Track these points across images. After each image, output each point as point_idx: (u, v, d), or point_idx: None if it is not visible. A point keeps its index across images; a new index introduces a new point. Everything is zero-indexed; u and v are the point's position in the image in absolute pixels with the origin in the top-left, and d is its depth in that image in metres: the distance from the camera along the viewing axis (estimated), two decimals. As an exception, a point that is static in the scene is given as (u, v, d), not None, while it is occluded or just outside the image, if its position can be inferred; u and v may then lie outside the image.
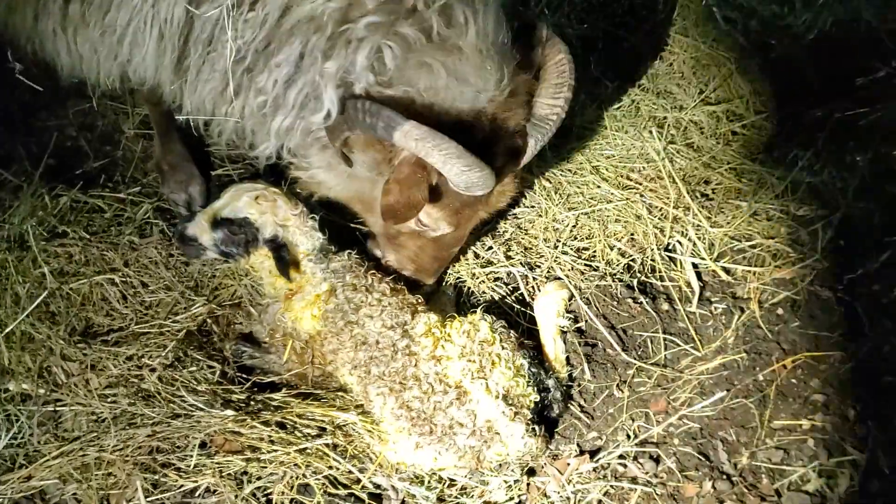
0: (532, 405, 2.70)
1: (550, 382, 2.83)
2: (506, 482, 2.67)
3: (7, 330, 2.85)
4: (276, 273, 2.94)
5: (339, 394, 2.88)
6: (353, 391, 2.83)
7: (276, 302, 2.98)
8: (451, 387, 2.66)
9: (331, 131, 2.58)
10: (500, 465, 2.73)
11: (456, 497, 2.64)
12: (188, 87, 2.73)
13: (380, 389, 2.70)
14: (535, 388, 2.74)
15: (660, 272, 3.45)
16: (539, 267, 3.41)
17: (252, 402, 2.78)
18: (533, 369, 2.78)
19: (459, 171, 2.48)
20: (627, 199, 3.68)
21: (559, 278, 3.29)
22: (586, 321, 3.25)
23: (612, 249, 3.52)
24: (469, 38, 2.51)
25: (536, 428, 2.69)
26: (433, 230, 2.86)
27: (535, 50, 2.84)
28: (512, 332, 2.86)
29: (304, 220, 3.02)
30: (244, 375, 2.94)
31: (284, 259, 2.92)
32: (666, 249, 3.52)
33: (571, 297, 3.19)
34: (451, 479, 2.69)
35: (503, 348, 2.75)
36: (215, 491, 2.52)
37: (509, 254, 3.45)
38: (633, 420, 2.94)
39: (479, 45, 2.53)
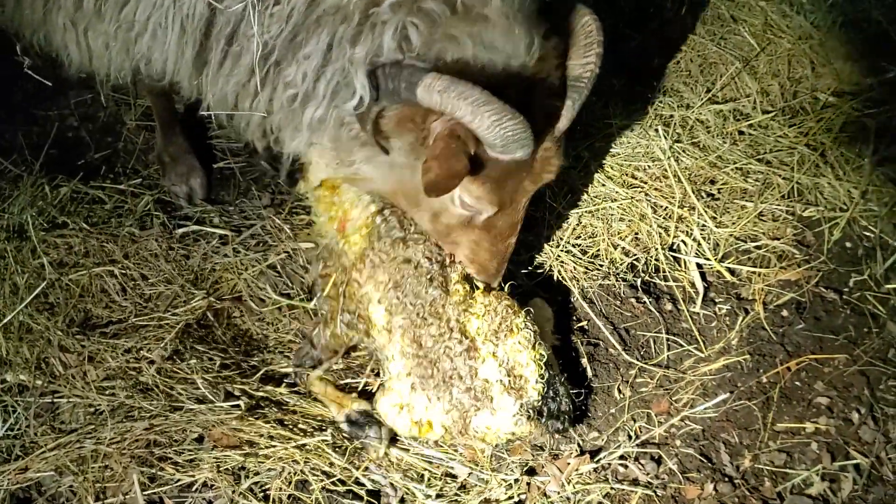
0: (535, 395, 2.63)
1: (562, 391, 2.72)
2: (505, 481, 2.64)
3: (5, 321, 2.83)
4: (329, 208, 2.90)
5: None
6: (373, 333, 2.74)
7: (334, 238, 2.92)
8: (466, 338, 2.63)
9: (361, 118, 2.53)
10: (500, 462, 2.72)
11: (455, 494, 2.61)
12: (209, 81, 2.68)
13: (403, 321, 2.65)
14: (546, 386, 2.67)
15: (664, 272, 3.42)
16: (542, 266, 3.39)
17: (251, 398, 2.76)
18: (551, 370, 2.72)
19: (491, 122, 2.36)
20: (632, 197, 3.65)
21: (541, 296, 3.16)
22: (589, 320, 3.22)
23: (615, 248, 3.49)
24: (494, 5, 2.45)
25: (532, 412, 2.62)
26: (479, 211, 2.74)
27: (562, 18, 2.78)
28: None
29: None
30: (249, 365, 2.92)
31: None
32: (670, 249, 3.50)
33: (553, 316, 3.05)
34: (450, 475, 2.66)
35: (526, 326, 2.69)
36: (212, 486, 2.50)
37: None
38: (634, 420, 2.92)
39: (504, 12, 2.46)
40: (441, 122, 2.48)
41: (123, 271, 3.09)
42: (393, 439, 2.73)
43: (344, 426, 2.74)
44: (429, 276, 2.72)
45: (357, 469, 2.61)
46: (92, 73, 2.97)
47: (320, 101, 2.56)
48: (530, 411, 2.62)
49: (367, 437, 2.70)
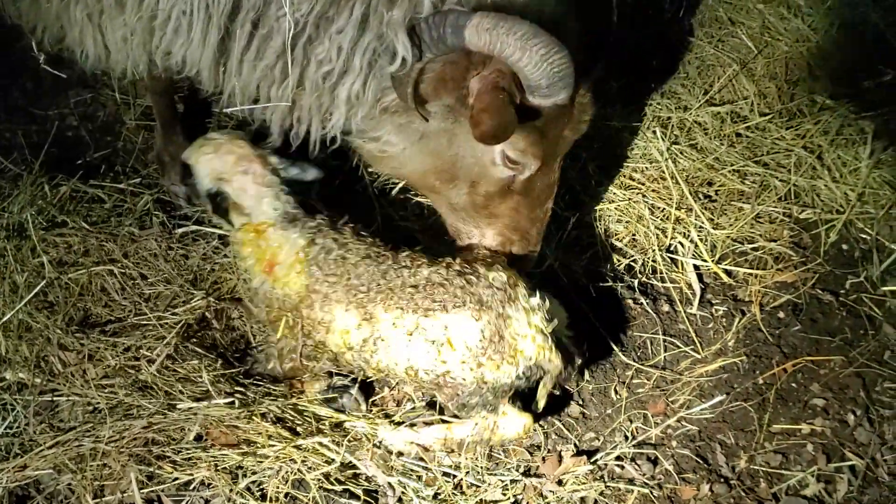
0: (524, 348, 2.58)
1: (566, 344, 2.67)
2: (502, 482, 2.65)
3: (4, 319, 2.83)
4: (255, 251, 2.80)
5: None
6: (350, 342, 2.68)
7: (263, 282, 2.83)
8: (449, 282, 2.62)
9: (401, 82, 2.50)
10: (497, 463, 2.73)
11: (452, 495, 2.62)
12: (233, 69, 2.66)
13: (381, 299, 2.63)
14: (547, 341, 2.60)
15: (661, 273, 3.44)
16: (540, 267, 3.39)
17: (249, 396, 2.76)
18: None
19: (540, 57, 2.34)
20: (630, 199, 3.67)
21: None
22: (586, 321, 3.23)
23: (613, 250, 3.50)
24: None
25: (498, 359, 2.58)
26: (522, 168, 2.71)
27: None
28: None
29: (263, 180, 2.82)
30: (241, 368, 2.93)
31: (221, 209, 2.82)
32: (668, 250, 3.51)
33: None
34: (447, 475, 2.67)
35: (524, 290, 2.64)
36: (210, 484, 2.51)
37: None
38: (631, 421, 2.93)
39: None
40: (480, 78, 2.48)
41: (123, 270, 3.10)
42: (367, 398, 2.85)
43: (317, 397, 2.81)
44: (392, 260, 2.71)
45: (355, 468, 2.62)
46: (106, 69, 2.95)
47: (357, 73, 2.54)
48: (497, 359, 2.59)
49: (343, 405, 2.79)
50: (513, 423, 2.65)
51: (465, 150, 2.71)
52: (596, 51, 2.87)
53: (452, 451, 2.72)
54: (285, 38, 2.50)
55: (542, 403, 2.69)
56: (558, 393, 2.75)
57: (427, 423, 2.79)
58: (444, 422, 2.78)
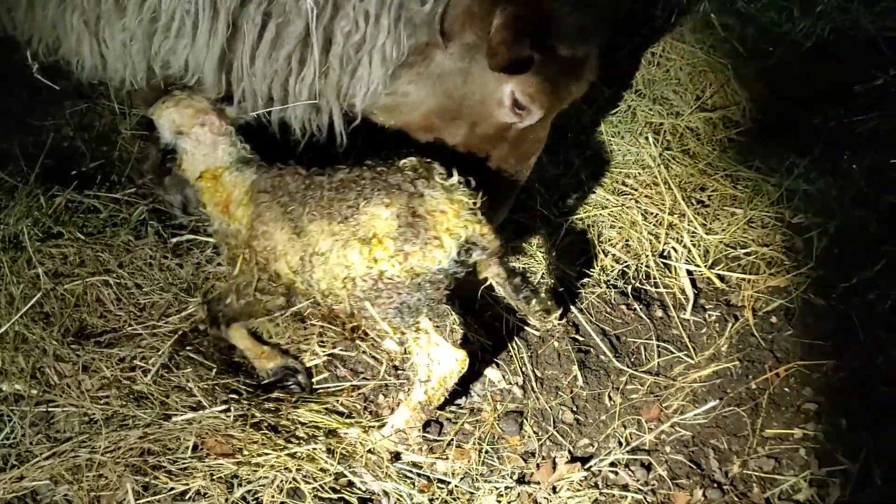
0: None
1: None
2: (496, 489, 2.67)
3: (1, 331, 2.85)
4: (214, 196, 2.92)
5: (332, 399, 2.89)
6: (293, 265, 2.74)
7: (221, 222, 2.95)
8: (360, 177, 2.65)
9: (431, 21, 2.54)
10: (491, 470, 2.74)
11: (446, 502, 2.64)
12: (243, 70, 2.69)
13: (314, 210, 2.66)
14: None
15: (654, 279, 3.46)
16: (534, 272, 3.41)
17: (244, 405, 2.78)
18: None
19: (574, 4, 2.42)
20: (623, 205, 3.69)
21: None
22: (579, 327, 3.25)
23: (606, 255, 3.52)
24: None
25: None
26: (525, 116, 2.74)
27: None
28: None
29: (219, 129, 2.94)
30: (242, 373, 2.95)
31: (165, 168, 2.97)
32: (661, 256, 3.53)
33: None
34: (441, 482, 2.69)
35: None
36: (206, 494, 2.52)
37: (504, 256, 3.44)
38: (625, 427, 2.95)
39: None
40: (505, 14, 2.50)
41: (118, 280, 3.11)
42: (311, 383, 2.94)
43: (268, 374, 2.91)
44: (314, 172, 2.76)
45: (350, 475, 2.63)
46: (103, 79, 2.97)
47: (388, 32, 2.57)
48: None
49: (292, 386, 2.89)
50: (446, 357, 2.61)
51: (476, 89, 2.73)
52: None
53: (428, 427, 2.77)
54: (308, 21, 2.51)
55: (481, 277, 2.70)
56: (545, 324, 2.84)
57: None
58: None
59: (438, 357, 2.62)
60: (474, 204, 2.58)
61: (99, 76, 2.96)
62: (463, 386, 2.96)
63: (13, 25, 2.95)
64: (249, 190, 2.85)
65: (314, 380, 2.97)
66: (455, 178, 2.61)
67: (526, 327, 3.21)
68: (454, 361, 2.63)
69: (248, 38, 2.62)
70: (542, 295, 2.80)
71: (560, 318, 2.81)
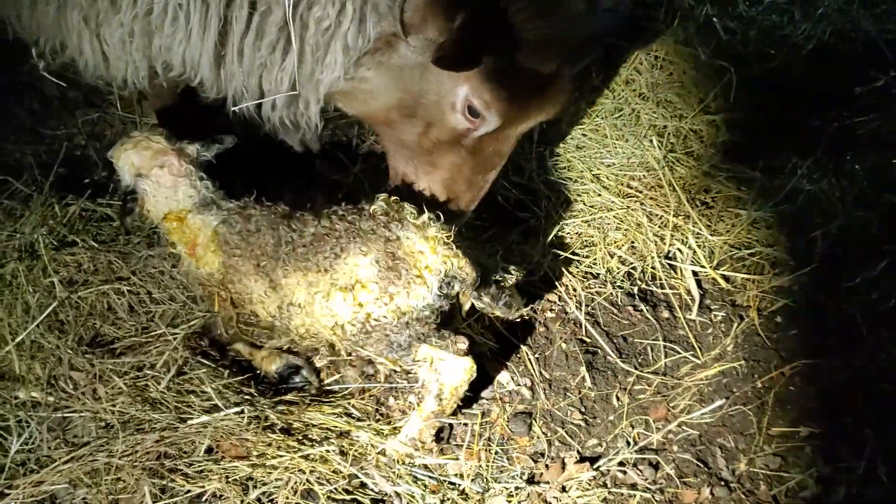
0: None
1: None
2: (506, 489, 2.71)
3: (17, 339, 2.90)
4: (181, 237, 2.95)
5: (344, 401, 2.93)
6: (270, 311, 2.81)
7: (189, 263, 2.98)
8: (332, 230, 2.70)
9: (392, 10, 2.54)
10: (501, 471, 2.78)
11: (457, 502, 2.68)
12: (234, 63, 2.72)
13: (287, 265, 2.71)
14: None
15: (660, 280, 3.49)
16: (537, 273, 3.45)
17: (257, 407, 2.83)
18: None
19: (535, 12, 2.34)
20: (628, 207, 3.72)
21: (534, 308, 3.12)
22: (586, 329, 3.28)
23: (612, 257, 3.56)
24: None
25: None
26: (480, 122, 2.70)
27: None
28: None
29: (178, 171, 2.96)
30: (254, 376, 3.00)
31: (127, 209, 2.99)
32: (666, 257, 3.57)
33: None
34: (452, 483, 2.73)
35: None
36: (221, 496, 2.56)
37: (511, 259, 3.49)
38: (632, 427, 2.98)
39: None
40: (467, 14, 2.47)
41: (130, 288, 3.16)
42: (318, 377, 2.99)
43: (274, 375, 2.96)
44: (282, 223, 2.79)
45: (363, 477, 2.67)
46: (106, 79, 3.00)
47: (351, 19, 2.59)
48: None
49: (298, 381, 2.94)
50: (453, 368, 2.66)
51: (432, 87, 2.71)
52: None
53: (441, 433, 2.79)
54: (285, 9, 2.54)
55: (465, 308, 2.75)
56: (506, 311, 2.81)
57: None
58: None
59: (445, 370, 2.67)
60: (448, 238, 2.65)
61: (101, 74, 2.98)
62: (472, 388, 3.00)
63: (20, 26, 2.97)
64: (214, 237, 2.88)
65: (325, 382, 3.02)
66: (425, 215, 2.67)
67: (534, 329, 3.25)
68: (462, 371, 2.67)
69: (237, 31, 2.65)
70: (517, 295, 2.86)
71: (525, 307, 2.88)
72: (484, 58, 2.51)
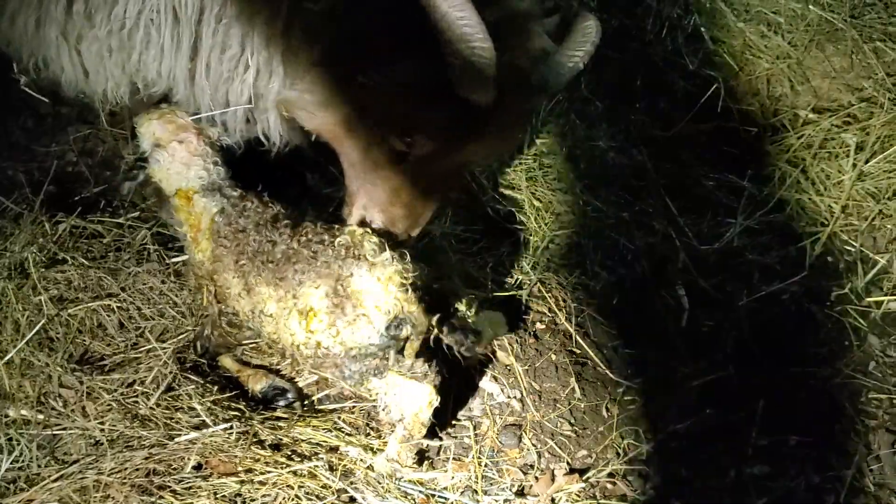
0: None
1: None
2: (496, 501, 2.71)
3: (6, 357, 2.90)
4: (186, 217, 2.96)
5: (333, 416, 2.94)
6: (245, 311, 2.82)
7: (189, 246, 3.01)
8: (298, 254, 2.69)
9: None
10: (490, 483, 2.78)
11: (447, 516, 2.68)
12: (203, 76, 2.75)
13: (261, 275, 2.72)
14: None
15: (650, 289, 3.49)
16: (528, 285, 3.45)
17: (247, 423, 2.83)
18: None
19: (463, 33, 2.26)
20: (617, 216, 3.73)
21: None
22: (575, 339, 3.29)
23: (602, 267, 3.56)
24: None
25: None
26: (411, 146, 2.68)
27: (564, 23, 2.76)
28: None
29: (195, 149, 2.99)
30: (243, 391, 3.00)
31: (131, 174, 3.05)
32: (656, 266, 3.57)
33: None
34: (442, 498, 2.73)
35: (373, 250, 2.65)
36: (210, 513, 2.57)
37: (500, 269, 3.50)
38: (622, 438, 2.98)
39: None
40: None
41: (120, 305, 3.16)
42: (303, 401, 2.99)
43: (258, 395, 2.97)
44: (268, 228, 2.78)
45: (352, 492, 2.68)
46: (90, 96, 3.02)
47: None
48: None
49: (283, 403, 2.95)
50: (412, 395, 2.62)
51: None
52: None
53: (424, 453, 2.78)
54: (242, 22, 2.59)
55: (407, 353, 2.66)
56: (468, 353, 2.72)
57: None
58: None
59: (404, 396, 2.64)
60: (406, 279, 2.61)
61: (82, 89, 3.00)
62: (462, 401, 3.01)
63: (1, 40, 2.99)
64: (211, 224, 2.90)
65: (315, 397, 3.02)
66: (386, 254, 2.64)
67: (524, 340, 3.25)
68: (420, 398, 2.63)
69: (206, 45, 2.68)
70: (487, 327, 2.83)
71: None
72: (415, 84, 2.51)
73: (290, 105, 2.86)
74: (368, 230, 2.74)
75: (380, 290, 2.59)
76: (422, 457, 2.78)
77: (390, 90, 2.55)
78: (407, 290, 2.60)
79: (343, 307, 2.59)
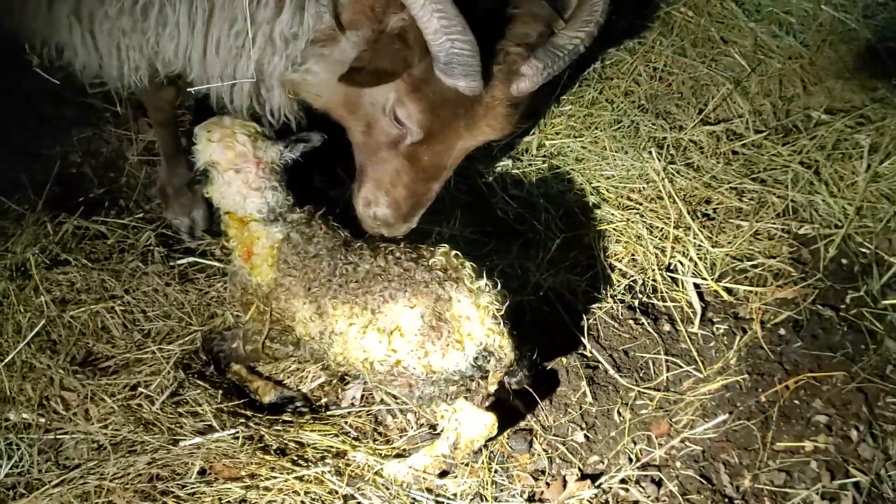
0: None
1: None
2: (506, 508, 2.66)
3: (7, 359, 2.86)
4: (238, 237, 2.85)
5: (341, 420, 2.89)
6: (311, 333, 2.73)
7: (241, 267, 2.88)
8: (387, 272, 2.62)
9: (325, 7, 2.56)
10: (501, 490, 2.73)
11: (456, 523, 2.63)
12: (213, 56, 2.72)
13: (337, 296, 2.65)
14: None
15: (661, 293, 3.45)
16: (540, 289, 3.41)
17: (251, 427, 2.78)
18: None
19: (440, 27, 2.30)
20: (628, 219, 3.68)
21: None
22: (587, 344, 3.24)
23: (612, 270, 3.51)
24: None
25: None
26: (406, 132, 2.69)
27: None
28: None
29: (252, 182, 2.83)
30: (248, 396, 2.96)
31: (196, 179, 2.88)
32: (667, 270, 3.53)
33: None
34: (452, 501, 2.68)
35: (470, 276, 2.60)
36: (215, 519, 2.52)
37: (509, 271, 3.45)
38: (634, 443, 2.93)
39: None
40: (398, 19, 2.47)
41: (123, 307, 3.13)
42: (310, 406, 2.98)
43: (269, 404, 2.96)
44: (341, 252, 2.72)
45: (359, 497, 2.63)
46: (106, 79, 2.95)
47: (288, 7, 2.60)
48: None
49: (291, 409, 2.94)
50: (474, 421, 2.59)
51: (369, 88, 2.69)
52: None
53: (445, 471, 2.72)
54: None
55: (490, 389, 2.60)
56: (516, 387, 2.67)
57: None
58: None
59: (466, 421, 2.60)
60: (499, 311, 2.55)
61: (97, 73, 2.94)
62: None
63: (12, 22, 2.93)
64: (272, 251, 2.79)
65: (323, 401, 2.97)
66: (483, 281, 2.58)
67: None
68: (482, 426, 2.60)
69: (217, 21, 2.65)
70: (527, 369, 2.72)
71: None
72: (412, 69, 2.50)
73: (296, 86, 2.84)
74: (459, 253, 2.65)
75: (477, 319, 2.52)
76: (446, 472, 2.73)
77: (366, 85, 2.57)
78: (500, 322, 2.54)
79: (440, 331, 2.52)
